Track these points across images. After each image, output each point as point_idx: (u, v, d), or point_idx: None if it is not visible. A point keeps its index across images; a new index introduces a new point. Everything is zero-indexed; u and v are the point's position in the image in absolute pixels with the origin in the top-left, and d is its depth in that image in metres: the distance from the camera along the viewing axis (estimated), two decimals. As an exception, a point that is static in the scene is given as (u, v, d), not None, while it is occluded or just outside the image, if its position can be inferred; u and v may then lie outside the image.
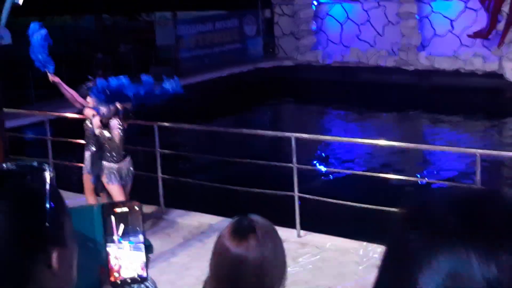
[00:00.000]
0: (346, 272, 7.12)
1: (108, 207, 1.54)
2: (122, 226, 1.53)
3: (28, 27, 8.02)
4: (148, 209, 8.95)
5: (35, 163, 1.32)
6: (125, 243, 1.53)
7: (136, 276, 1.54)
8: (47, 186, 1.26)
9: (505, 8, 18.23)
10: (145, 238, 1.56)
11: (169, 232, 8.30)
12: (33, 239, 1.23)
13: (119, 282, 1.52)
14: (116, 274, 1.52)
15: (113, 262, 1.52)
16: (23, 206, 1.23)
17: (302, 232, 8.00)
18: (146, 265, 1.55)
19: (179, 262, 7.39)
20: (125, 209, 1.54)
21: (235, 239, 1.89)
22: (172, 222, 8.68)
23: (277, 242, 1.93)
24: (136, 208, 1.55)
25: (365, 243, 7.73)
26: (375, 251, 7.51)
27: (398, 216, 0.88)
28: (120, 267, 1.53)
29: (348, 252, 7.58)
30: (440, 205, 0.86)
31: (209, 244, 7.76)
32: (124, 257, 1.53)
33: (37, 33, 7.86)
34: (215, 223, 8.46)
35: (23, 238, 1.22)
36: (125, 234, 1.53)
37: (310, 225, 8.18)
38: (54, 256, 1.24)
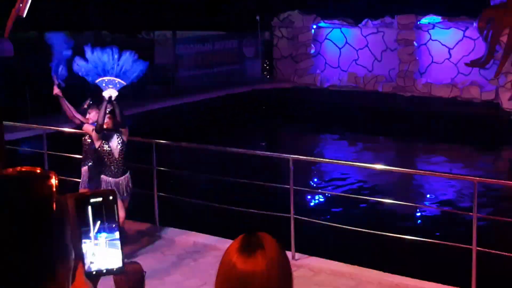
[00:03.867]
0: (340, 296, 7.09)
1: (83, 199, 1.51)
2: (98, 222, 1.50)
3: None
4: (143, 226, 8.92)
5: (39, 170, 1.29)
6: (101, 240, 1.51)
7: (112, 267, 1.53)
8: (53, 193, 1.23)
9: (503, 38, 18.33)
10: (120, 233, 1.54)
11: (163, 250, 8.25)
12: (38, 254, 1.19)
13: (94, 272, 1.51)
14: (92, 266, 1.51)
15: (89, 258, 1.50)
16: (28, 214, 1.20)
17: (297, 255, 7.97)
18: (123, 258, 1.54)
19: (173, 280, 7.35)
20: (99, 199, 1.51)
21: (242, 255, 1.87)
22: (167, 240, 8.64)
23: (284, 259, 1.91)
24: (111, 197, 1.52)
25: (359, 268, 7.72)
26: (369, 276, 7.49)
27: None
28: (96, 261, 1.52)
29: (343, 276, 7.55)
30: None
31: (203, 263, 7.67)
32: (100, 253, 1.51)
33: (67, 47, 8.06)
34: (210, 242, 8.42)
35: (28, 253, 1.19)
36: (101, 230, 1.51)
37: (305, 247, 8.15)
38: (60, 272, 1.20)
